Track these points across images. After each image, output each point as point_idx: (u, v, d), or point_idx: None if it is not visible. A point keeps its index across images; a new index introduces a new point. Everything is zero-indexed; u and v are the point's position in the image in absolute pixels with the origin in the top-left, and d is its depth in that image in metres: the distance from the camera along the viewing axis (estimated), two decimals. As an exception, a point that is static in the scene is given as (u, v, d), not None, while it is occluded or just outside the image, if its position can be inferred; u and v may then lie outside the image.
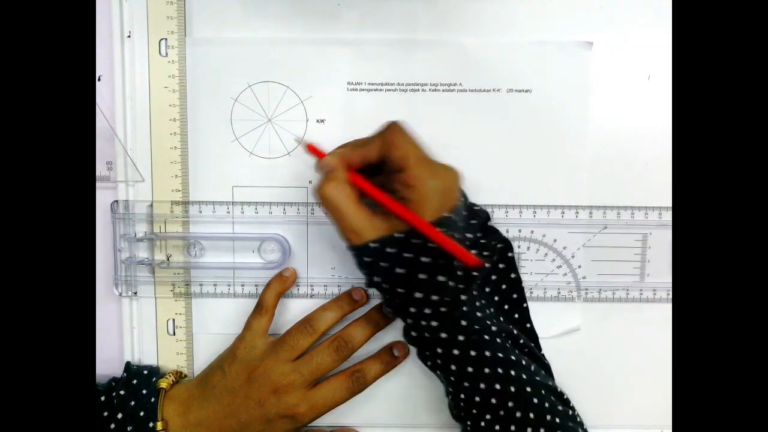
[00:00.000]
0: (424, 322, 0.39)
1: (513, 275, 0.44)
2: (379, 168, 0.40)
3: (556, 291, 0.46)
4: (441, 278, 0.38)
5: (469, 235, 0.41)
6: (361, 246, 0.39)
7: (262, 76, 0.44)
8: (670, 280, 0.46)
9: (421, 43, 0.44)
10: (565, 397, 0.42)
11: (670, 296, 0.46)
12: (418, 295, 0.38)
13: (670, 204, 0.45)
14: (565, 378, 0.44)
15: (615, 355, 0.47)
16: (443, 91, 0.44)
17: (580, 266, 0.46)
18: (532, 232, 0.46)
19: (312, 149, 0.41)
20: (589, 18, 0.44)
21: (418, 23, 0.44)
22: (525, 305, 0.45)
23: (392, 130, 0.39)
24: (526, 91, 0.44)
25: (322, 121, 0.45)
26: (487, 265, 0.41)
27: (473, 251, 0.41)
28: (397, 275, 0.39)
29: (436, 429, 0.47)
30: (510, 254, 0.44)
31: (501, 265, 0.44)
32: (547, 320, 0.46)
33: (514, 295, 0.44)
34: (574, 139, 0.45)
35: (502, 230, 0.45)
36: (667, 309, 0.46)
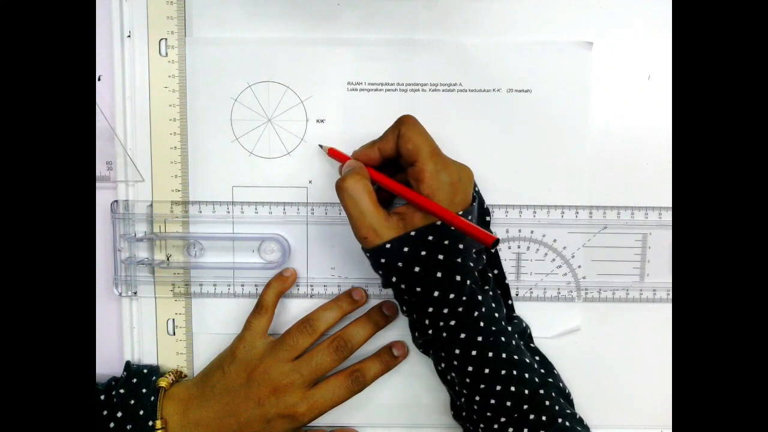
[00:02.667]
0: (442, 323, 0.39)
1: (496, 271, 0.44)
2: (397, 168, 0.40)
3: (556, 291, 0.46)
4: (458, 278, 0.38)
5: None
6: (378, 247, 0.38)
7: (262, 76, 0.44)
8: (670, 280, 0.46)
9: (421, 43, 0.44)
10: (570, 398, 0.42)
11: (670, 296, 0.46)
12: (436, 293, 0.38)
13: (670, 204, 0.45)
14: (565, 378, 0.44)
15: (615, 355, 0.47)
16: (443, 91, 0.44)
17: (580, 266, 0.46)
18: (532, 232, 0.46)
19: (334, 153, 0.43)
20: (589, 18, 0.44)
21: (418, 23, 0.44)
22: (510, 302, 0.45)
23: (404, 123, 0.39)
24: (526, 91, 0.44)
25: (322, 121, 0.45)
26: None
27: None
28: (415, 274, 0.38)
29: (436, 429, 0.47)
30: (492, 250, 0.44)
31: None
32: (547, 320, 0.46)
33: (499, 291, 0.44)
34: (574, 139, 0.45)
35: (502, 230, 0.45)
36: (667, 309, 0.46)
